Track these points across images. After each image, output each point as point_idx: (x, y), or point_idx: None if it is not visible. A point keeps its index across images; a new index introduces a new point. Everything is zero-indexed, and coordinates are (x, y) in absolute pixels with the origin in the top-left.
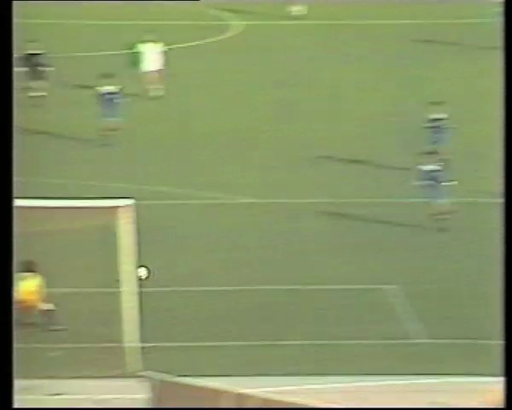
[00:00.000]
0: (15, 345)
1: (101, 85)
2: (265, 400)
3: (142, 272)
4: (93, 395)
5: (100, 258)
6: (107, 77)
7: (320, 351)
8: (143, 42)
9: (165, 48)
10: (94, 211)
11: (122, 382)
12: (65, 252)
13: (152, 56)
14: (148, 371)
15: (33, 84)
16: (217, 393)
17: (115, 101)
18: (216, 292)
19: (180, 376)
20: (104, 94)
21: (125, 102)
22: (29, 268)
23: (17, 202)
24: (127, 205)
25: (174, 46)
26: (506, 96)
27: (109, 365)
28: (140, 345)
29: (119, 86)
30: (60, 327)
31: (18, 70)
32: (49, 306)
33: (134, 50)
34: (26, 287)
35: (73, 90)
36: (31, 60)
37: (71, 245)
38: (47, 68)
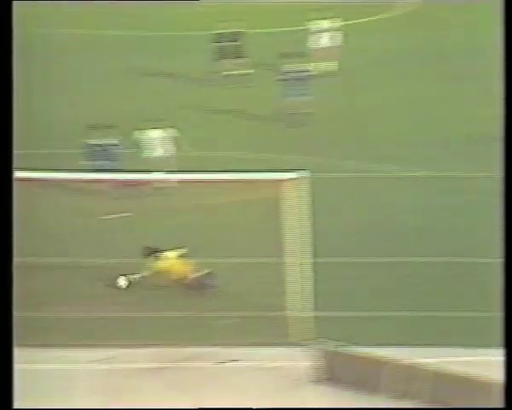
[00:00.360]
0: (183, 313)
1: (286, 64)
2: (437, 371)
3: (122, 281)
4: (264, 362)
5: (271, 229)
6: (292, 56)
7: (484, 323)
8: (319, 19)
9: (340, 24)
10: (267, 183)
11: (293, 350)
12: (239, 222)
13: (328, 33)
14: (319, 340)
15: (227, 62)
16: (387, 362)
17: (300, 79)
18: (384, 264)
19: (350, 345)
20: (288, 72)
21: (309, 80)
22: (155, 250)
23: (192, 176)
24: (299, 177)
25: (348, 22)
26: (506, 95)
27: (281, 333)
28: (311, 314)
29: (305, 64)
30: (218, 287)
31: (215, 47)
32: (197, 274)
33: (309, 27)
34: (170, 263)
35: (259, 68)
36: (226, 39)
37: (245, 216)
38: (242, 47)
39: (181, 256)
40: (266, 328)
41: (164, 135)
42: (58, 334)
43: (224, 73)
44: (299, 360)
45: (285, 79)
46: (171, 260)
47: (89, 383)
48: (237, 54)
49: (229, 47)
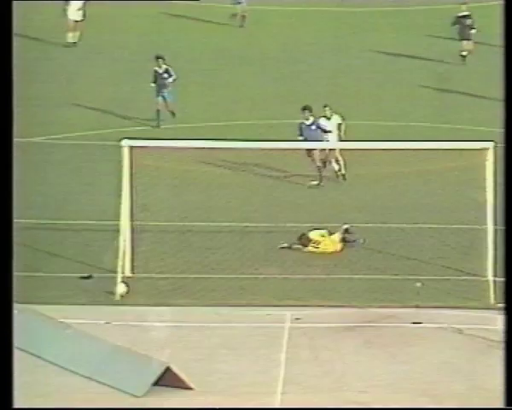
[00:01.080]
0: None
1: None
2: None
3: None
4: (450, 324)
5: (468, 196)
6: None
7: None
8: None
9: None
10: (464, 152)
11: (479, 313)
12: (437, 189)
13: None
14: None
15: (464, 43)
16: None
17: None
18: None
19: None
20: None
21: None
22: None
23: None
24: (491, 147)
25: None
26: (506, 96)
27: (468, 296)
28: (496, 279)
29: None
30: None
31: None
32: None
33: None
34: (320, 243)
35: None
36: (462, 21)
37: (442, 183)
38: (474, 29)
39: (325, 235)
40: (460, 291)
41: (337, 122)
42: (261, 295)
43: (461, 52)
44: (488, 324)
45: None
46: (321, 241)
47: (294, 339)
48: (470, 34)
49: (468, 28)
